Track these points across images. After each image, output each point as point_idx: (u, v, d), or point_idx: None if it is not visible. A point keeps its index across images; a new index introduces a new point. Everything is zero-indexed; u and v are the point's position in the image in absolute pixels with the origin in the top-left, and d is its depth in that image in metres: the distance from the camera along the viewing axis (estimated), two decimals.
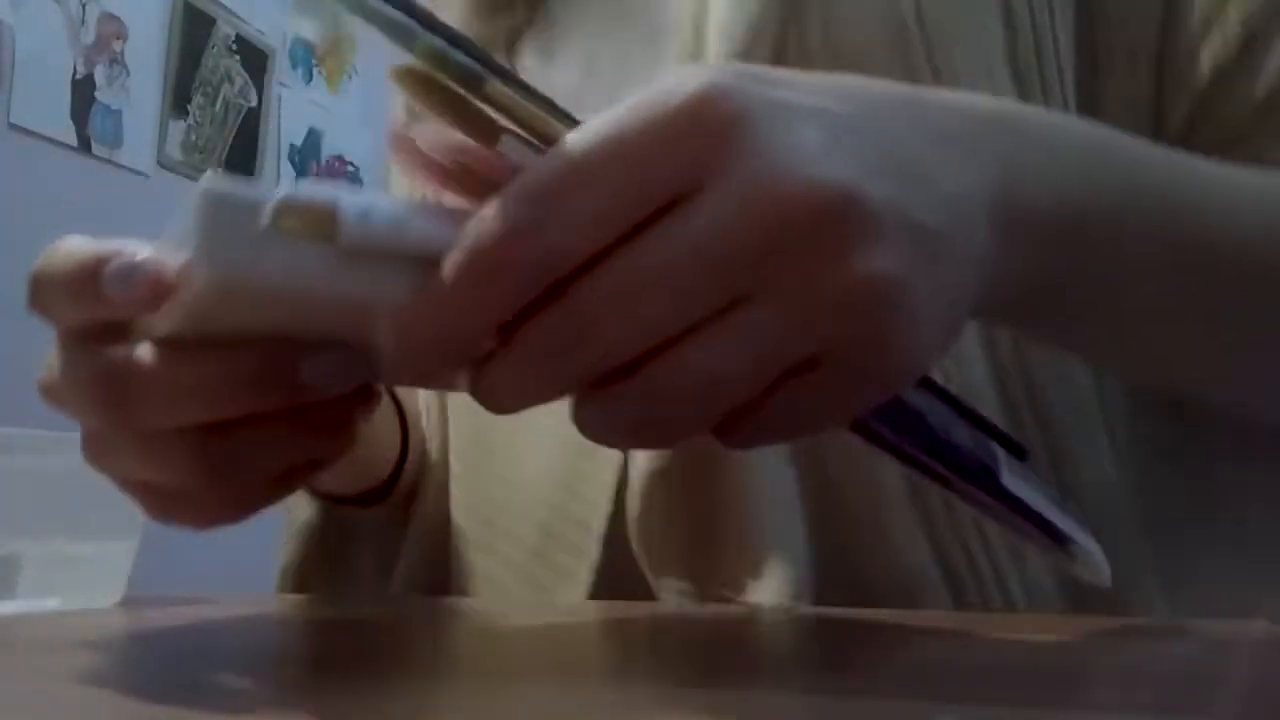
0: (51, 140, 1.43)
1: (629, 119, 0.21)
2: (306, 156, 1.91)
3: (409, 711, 0.20)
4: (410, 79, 0.22)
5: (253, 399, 0.26)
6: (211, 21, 1.73)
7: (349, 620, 0.38)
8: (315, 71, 1.95)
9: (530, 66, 0.47)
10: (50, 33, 1.45)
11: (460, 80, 0.22)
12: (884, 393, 0.25)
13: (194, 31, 1.68)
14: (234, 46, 1.77)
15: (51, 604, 0.39)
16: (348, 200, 0.22)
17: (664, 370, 0.22)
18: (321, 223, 0.22)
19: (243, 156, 1.77)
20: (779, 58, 0.38)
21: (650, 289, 0.21)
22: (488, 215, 0.21)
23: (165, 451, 0.28)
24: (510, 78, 0.22)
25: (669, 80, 0.22)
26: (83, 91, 1.48)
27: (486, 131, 0.23)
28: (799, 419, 0.25)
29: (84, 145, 1.48)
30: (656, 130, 0.21)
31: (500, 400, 0.24)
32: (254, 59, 1.81)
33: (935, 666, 0.26)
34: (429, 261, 0.23)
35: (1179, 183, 0.32)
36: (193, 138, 1.66)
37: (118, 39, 1.55)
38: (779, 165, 0.21)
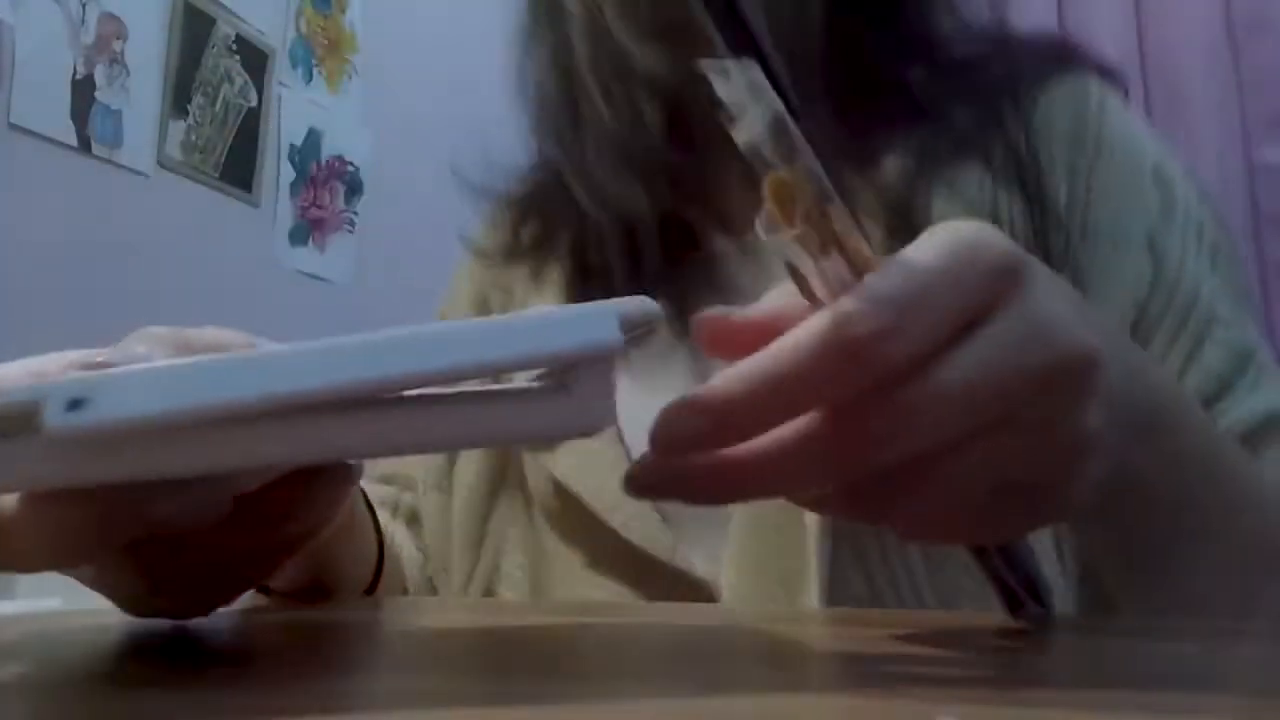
0: (51, 140, 1.43)
1: (953, 256, 0.25)
2: (306, 156, 1.91)
3: (409, 711, 0.20)
4: (777, 186, 0.24)
5: (109, 538, 0.27)
6: (211, 21, 1.72)
7: (349, 622, 0.38)
8: (315, 71, 1.95)
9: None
10: (50, 33, 1.45)
11: (816, 196, 0.24)
12: (1044, 525, 0.28)
13: (194, 31, 1.68)
14: (234, 46, 1.76)
15: (51, 604, 0.39)
16: (63, 391, 0.21)
17: (938, 473, 0.25)
18: (28, 418, 0.22)
19: (243, 156, 1.76)
20: None
21: (956, 397, 0.25)
22: (856, 309, 0.24)
23: (99, 571, 0.29)
24: (842, 205, 0.25)
25: (970, 231, 0.26)
26: (83, 91, 1.48)
27: (820, 244, 0.25)
28: (976, 531, 0.29)
29: (84, 145, 1.47)
30: (976, 268, 0.25)
31: (774, 484, 0.26)
32: (254, 59, 1.81)
33: (935, 666, 0.26)
34: (175, 437, 0.22)
35: (1213, 430, 0.38)
36: (193, 138, 1.66)
37: (118, 39, 1.55)
38: (1052, 318, 0.26)
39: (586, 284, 0.54)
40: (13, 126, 1.37)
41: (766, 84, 0.24)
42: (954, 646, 0.30)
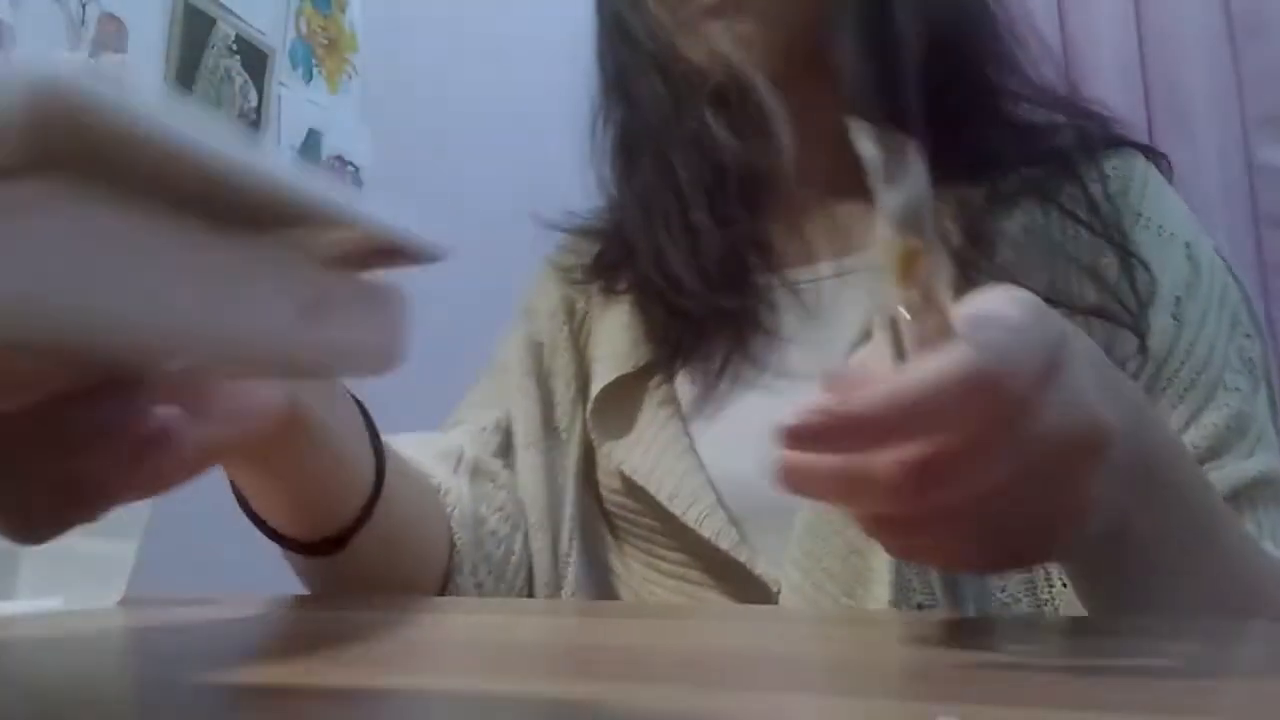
0: None
1: (1036, 321, 0.29)
2: (306, 157, 1.91)
3: (407, 711, 0.20)
4: (907, 253, 0.27)
5: None
6: (211, 21, 1.73)
7: (348, 621, 0.38)
8: (315, 71, 1.95)
9: (683, 392, 0.59)
10: (50, 33, 1.45)
11: (933, 265, 0.28)
12: (1023, 568, 0.37)
13: (194, 31, 1.68)
14: (234, 46, 1.77)
15: (52, 604, 0.39)
16: None
17: (975, 508, 0.29)
18: None
19: None
20: None
21: (1044, 441, 0.28)
22: (986, 353, 0.27)
23: None
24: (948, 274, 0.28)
25: (1033, 300, 0.30)
26: None
27: (924, 303, 0.28)
28: (970, 562, 0.33)
29: None
30: (1050, 332, 0.29)
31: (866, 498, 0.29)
32: (254, 59, 1.81)
33: (935, 666, 0.26)
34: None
35: (1208, 492, 0.40)
36: None
37: (118, 39, 1.54)
38: (1086, 390, 0.30)
39: (650, 308, 0.61)
40: None
41: (921, 165, 0.27)
42: (955, 647, 0.30)
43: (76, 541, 0.30)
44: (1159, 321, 0.53)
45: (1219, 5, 1.83)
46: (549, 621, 0.40)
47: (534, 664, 0.27)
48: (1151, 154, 0.60)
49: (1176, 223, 0.56)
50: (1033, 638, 0.33)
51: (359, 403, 0.47)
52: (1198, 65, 1.84)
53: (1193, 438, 0.50)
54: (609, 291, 0.64)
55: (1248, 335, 0.55)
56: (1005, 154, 0.57)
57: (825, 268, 0.60)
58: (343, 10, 2.01)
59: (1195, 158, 1.78)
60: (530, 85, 2.14)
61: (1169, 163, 0.60)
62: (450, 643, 0.32)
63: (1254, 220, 1.78)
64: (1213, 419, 0.50)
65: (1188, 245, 0.55)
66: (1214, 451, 0.50)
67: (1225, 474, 0.49)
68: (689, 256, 0.60)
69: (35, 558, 0.38)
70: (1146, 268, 0.53)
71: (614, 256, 0.65)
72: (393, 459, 0.50)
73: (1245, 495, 0.48)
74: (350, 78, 2.01)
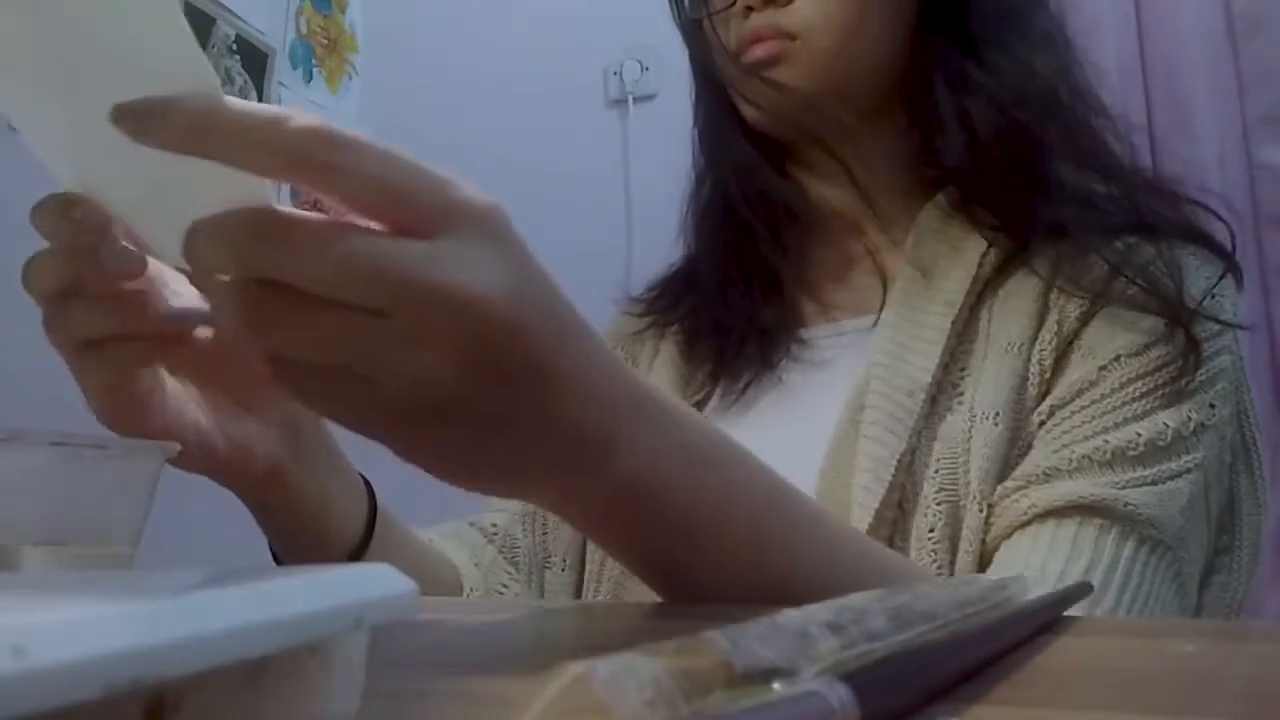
0: None
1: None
2: None
3: (406, 710, 0.20)
4: None
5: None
6: (211, 21, 1.72)
7: None
8: (315, 71, 1.95)
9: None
10: None
11: None
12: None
13: (194, 31, 1.68)
14: (234, 46, 1.76)
15: None
16: None
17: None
18: None
19: None
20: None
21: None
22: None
23: None
24: None
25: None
26: None
27: None
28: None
29: None
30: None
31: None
32: (254, 59, 1.81)
33: None
34: None
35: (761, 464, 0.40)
36: None
37: None
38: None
39: (694, 348, 0.67)
40: (13, 127, 1.37)
41: None
42: None
43: (74, 543, 0.30)
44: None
45: (1219, 5, 1.83)
46: (552, 622, 0.40)
47: (535, 664, 0.27)
48: (1225, 257, 0.58)
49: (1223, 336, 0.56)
50: (1030, 638, 0.32)
51: (364, 478, 0.53)
52: (1198, 65, 1.84)
53: (1118, 439, 0.50)
54: (662, 332, 0.70)
55: (1239, 429, 0.55)
56: (1078, 223, 0.58)
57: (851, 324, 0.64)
58: (343, 10, 2.01)
59: (1195, 158, 1.78)
60: (531, 85, 2.14)
61: (1240, 272, 0.59)
62: (451, 642, 0.32)
63: (1254, 220, 1.78)
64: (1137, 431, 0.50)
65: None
66: (1119, 458, 0.50)
67: (1093, 484, 0.48)
68: (743, 289, 0.67)
69: (35, 557, 0.38)
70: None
71: (670, 298, 0.72)
72: (392, 524, 0.55)
73: (1094, 509, 0.47)
74: (350, 78, 2.01)
